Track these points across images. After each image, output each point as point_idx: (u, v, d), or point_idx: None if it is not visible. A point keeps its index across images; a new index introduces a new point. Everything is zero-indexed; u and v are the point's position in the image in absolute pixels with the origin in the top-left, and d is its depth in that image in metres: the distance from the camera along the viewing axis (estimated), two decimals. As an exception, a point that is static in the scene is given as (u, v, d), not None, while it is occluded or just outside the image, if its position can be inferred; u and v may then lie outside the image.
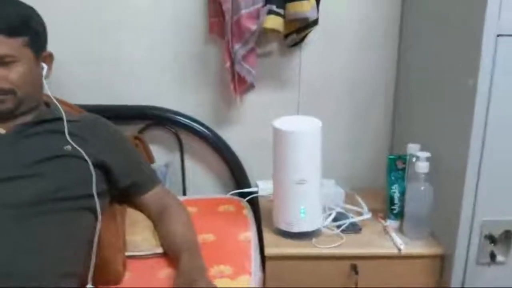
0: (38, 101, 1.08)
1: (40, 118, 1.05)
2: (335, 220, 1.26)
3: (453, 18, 1.11)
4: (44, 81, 1.07)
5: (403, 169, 1.24)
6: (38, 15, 1.06)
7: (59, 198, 0.95)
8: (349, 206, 1.33)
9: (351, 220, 1.25)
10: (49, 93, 1.07)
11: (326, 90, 1.48)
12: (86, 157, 1.01)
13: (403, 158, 1.25)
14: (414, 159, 1.19)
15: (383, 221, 1.28)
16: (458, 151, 1.08)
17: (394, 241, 1.19)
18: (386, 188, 1.27)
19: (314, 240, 1.19)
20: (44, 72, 1.06)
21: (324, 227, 1.23)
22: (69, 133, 1.02)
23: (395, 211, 1.26)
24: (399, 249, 1.16)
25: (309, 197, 1.16)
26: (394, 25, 1.44)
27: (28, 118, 1.05)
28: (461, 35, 1.07)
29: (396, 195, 1.25)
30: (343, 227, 1.23)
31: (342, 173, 1.47)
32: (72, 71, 1.32)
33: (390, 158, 1.26)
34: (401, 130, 1.48)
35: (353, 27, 1.44)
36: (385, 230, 1.25)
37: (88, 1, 1.35)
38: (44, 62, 1.07)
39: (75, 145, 1.01)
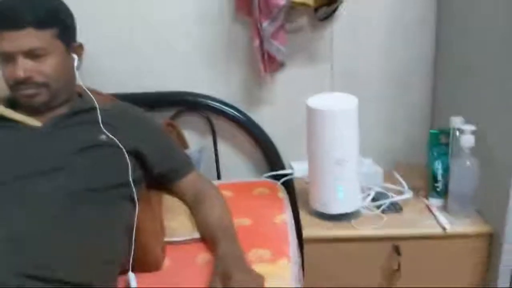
0: (71, 92, 1.08)
1: (74, 109, 1.05)
2: (374, 200, 1.22)
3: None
4: (76, 72, 1.07)
5: (446, 144, 1.18)
6: (65, 6, 1.05)
7: (96, 188, 0.95)
8: (388, 185, 1.28)
9: (392, 199, 1.21)
10: (81, 83, 1.07)
11: (361, 64, 1.41)
12: (121, 146, 1.01)
13: (446, 132, 1.18)
14: (458, 133, 1.13)
15: (425, 200, 1.23)
16: (506, 123, 1.00)
17: (438, 220, 1.14)
18: (428, 165, 1.22)
19: (353, 221, 1.15)
20: (75, 63, 1.06)
21: (363, 207, 1.19)
22: (103, 123, 1.02)
23: (438, 189, 1.20)
24: (444, 229, 1.12)
25: (347, 177, 1.12)
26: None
27: (62, 110, 1.05)
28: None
29: (439, 172, 1.19)
30: (383, 207, 1.19)
31: (379, 151, 1.42)
32: (103, 61, 1.32)
33: (432, 133, 1.20)
34: (442, 103, 1.40)
35: (387, -3, 1.36)
36: (428, 209, 1.20)
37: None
38: (75, 53, 1.06)
39: (109, 135, 1.01)
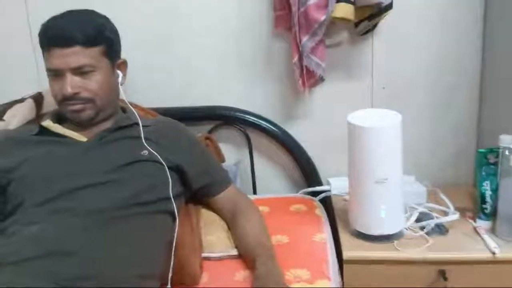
0: (115, 107, 1.11)
1: (118, 124, 1.08)
2: (418, 220, 1.17)
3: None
4: (120, 88, 1.09)
5: (495, 164, 1.13)
6: (111, 24, 1.08)
7: (138, 203, 0.97)
8: (433, 205, 1.23)
9: (437, 220, 1.16)
10: (125, 98, 1.09)
11: (403, 80, 1.38)
12: (162, 161, 1.02)
13: (495, 151, 1.12)
14: (507, 152, 1.07)
15: (472, 222, 1.17)
16: None
17: (487, 243, 1.08)
18: (476, 185, 1.16)
19: (396, 242, 1.11)
20: (120, 79, 1.09)
21: (406, 228, 1.14)
22: (145, 138, 1.04)
23: (486, 210, 1.15)
24: (493, 253, 1.06)
25: (390, 197, 1.09)
26: (478, 4, 1.30)
27: (106, 125, 1.08)
28: None
29: (488, 193, 1.13)
30: (427, 228, 1.14)
31: (423, 169, 1.37)
32: (144, 76, 1.35)
33: (480, 152, 1.14)
34: (490, 120, 1.34)
35: (431, 9, 1.32)
36: (475, 231, 1.14)
37: (155, 6, 1.36)
38: (119, 69, 1.10)
39: (151, 150, 1.03)
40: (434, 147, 1.42)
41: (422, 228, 1.15)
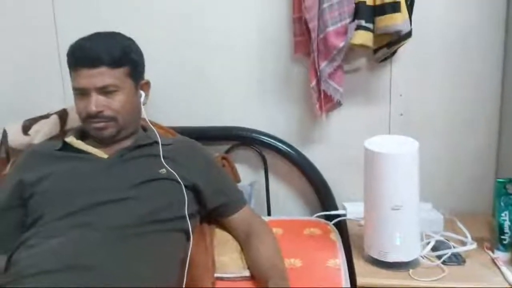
0: (137, 126, 1.14)
1: (138, 142, 1.10)
2: (434, 249, 1.15)
3: None
4: (142, 107, 1.12)
5: (515, 194, 1.11)
6: (137, 46, 1.12)
7: (155, 220, 0.98)
8: (449, 234, 1.21)
9: (453, 250, 1.14)
10: (146, 118, 1.12)
11: (421, 106, 1.38)
12: (179, 180, 1.03)
13: (514, 181, 1.11)
14: (528, 183, 1.06)
15: (490, 252, 1.15)
16: None
17: (505, 276, 1.06)
18: (494, 215, 1.14)
19: (411, 271, 1.09)
20: (142, 99, 1.12)
21: (422, 257, 1.13)
22: (164, 157, 1.06)
23: (505, 241, 1.12)
24: (512, 285, 1.03)
25: (406, 224, 1.08)
26: (497, 32, 1.31)
27: (127, 142, 1.11)
28: None
29: (507, 223, 1.11)
30: (444, 257, 1.12)
31: (440, 196, 1.35)
32: (164, 95, 1.38)
33: (499, 182, 1.13)
34: (509, 149, 1.32)
35: (450, 37, 1.33)
36: (493, 262, 1.12)
37: (179, 30, 1.40)
38: (142, 89, 1.13)
39: (169, 168, 1.05)
40: (452, 175, 1.40)
41: (439, 257, 1.13)
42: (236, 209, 1.16)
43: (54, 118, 1.30)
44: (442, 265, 1.10)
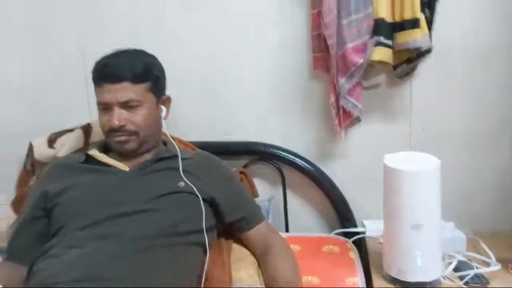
0: (158, 140, 1.17)
1: (159, 156, 1.12)
2: (456, 270, 1.12)
3: None
4: (163, 122, 1.14)
5: (541, 214, 1.07)
6: (158, 62, 1.15)
7: (173, 233, 0.99)
8: (472, 254, 1.18)
9: (476, 271, 1.11)
10: (167, 132, 1.14)
11: (443, 123, 1.36)
12: (197, 193, 1.05)
13: (539, 201, 1.08)
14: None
15: (515, 274, 1.11)
16: None
17: (532, 299, 1.02)
18: (519, 235, 1.11)
19: (433, 291, 1.06)
20: (163, 114, 1.15)
21: (444, 277, 1.10)
22: (183, 170, 1.08)
23: (530, 263, 1.08)
24: (539, 309, 0.99)
25: (426, 243, 1.05)
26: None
27: (148, 156, 1.13)
28: None
29: (532, 245, 1.08)
30: (467, 278, 1.09)
31: (462, 215, 1.32)
32: (184, 110, 1.41)
33: (523, 201, 1.10)
34: (535, 168, 1.29)
35: (470, 52, 1.32)
36: (518, 284, 1.08)
37: (199, 46, 1.42)
38: (163, 104, 1.15)
39: (188, 182, 1.06)
40: (475, 194, 1.37)
41: (461, 278, 1.10)
42: (254, 224, 1.16)
43: (79, 132, 1.33)
44: (465, 286, 1.07)
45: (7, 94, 1.51)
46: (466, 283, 1.08)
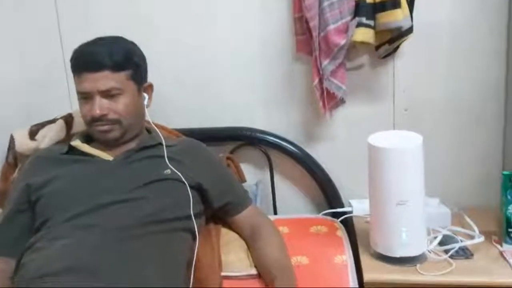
0: (141, 128, 1.15)
1: (143, 144, 1.11)
2: (441, 244, 1.14)
3: None
4: (146, 110, 1.13)
5: (521, 187, 1.10)
6: (139, 50, 1.14)
7: (160, 220, 0.99)
8: (457, 228, 1.20)
9: (461, 244, 1.13)
10: (150, 120, 1.13)
11: (425, 101, 1.37)
12: (184, 180, 1.04)
13: (520, 174, 1.10)
14: (535, 175, 1.05)
15: (498, 246, 1.14)
16: None
17: (514, 269, 1.05)
18: (500, 208, 1.13)
19: (418, 266, 1.08)
20: (146, 101, 1.13)
21: (429, 251, 1.12)
22: (168, 158, 1.07)
23: (513, 234, 1.11)
24: (521, 279, 1.02)
25: (412, 219, 1.07)
26: (500, 26, 1.30)
27: (132, 145, 1.12)
28: None
29: (514, 216, 1.10)
30: (451, 252, 1.11)
31: (447, 191, 1.34)
32: (169, 97, 1.40)
33: (505, 175, 1.12)
34: (515, 142, 1.31)
35: (452, 31, 1.33)
36: (502, 256, 1.11)
37: (180, 31, 1.41)
38: (145, 92, 1.14)
39: (174, 169, 1.05)
40: (459, 170, 1.39)
41: (446, 251, 1.12)
42: (242, 208, 1.16)
43: (60, 123, 1.31)
44: (450, 259, 1.10)
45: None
46: (451, 256, 1.11)
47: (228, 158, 1.37)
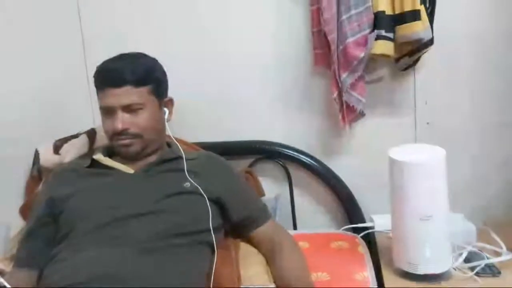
0: (161, 142, 1.17)
1: (163, 158, 1.13)
2: (467, 261, 1.11)
3: None
4: (166, 124, 1.15)
5: (551, 202, 1.06)
6: (160, 65, 1.16)
7: (179, 233, 1.00)
8: (483, 245, 1.17)
9: (487, 261, 1.09)
10: (170, 134, 1.14)
11: (448, 115, 1.35)
12: (203, 193, 1.05)
13: (549, 188, 1.06)
14: None
15: (527, 263, 1.10)
16: None
17: (544, 287, 1.01)
18: (529, 224, 1.09)
19: (443, 283, 1.05)
20: (166, 116, 1.15)
21: (454, 268, 1.09)
22: (188, 171, 1.08)
23: (542, 252, 1.07)
24: (552, 298, 0.97)
25: (436, 235, 1.04)
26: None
27: (152, 158, 1.14)
28: None
29: (543, 233, 1.06)
30: (477, 269, 1.08)
31: (472, 206, 1.31)
32: (189, 112, 1.41)
33: (532, 189, 1.08)
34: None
35: (472, 41, 1.31)
36: (531, 274, 1.07)
37: (199, 45, 1.43)
38: (166, 106, 1.16)
39: (193, 182, 1.06)
40: (483, 184, 1.36)
41: (472, 268, 1.08)
42: (261, 223, 1.15)
43: (83, 138, 1.34)
44: (476, 277, 1.06)
45: (14, 99, 1.51)
46: (477, 274, 1.07)
47: (247, 172, 1.37)
